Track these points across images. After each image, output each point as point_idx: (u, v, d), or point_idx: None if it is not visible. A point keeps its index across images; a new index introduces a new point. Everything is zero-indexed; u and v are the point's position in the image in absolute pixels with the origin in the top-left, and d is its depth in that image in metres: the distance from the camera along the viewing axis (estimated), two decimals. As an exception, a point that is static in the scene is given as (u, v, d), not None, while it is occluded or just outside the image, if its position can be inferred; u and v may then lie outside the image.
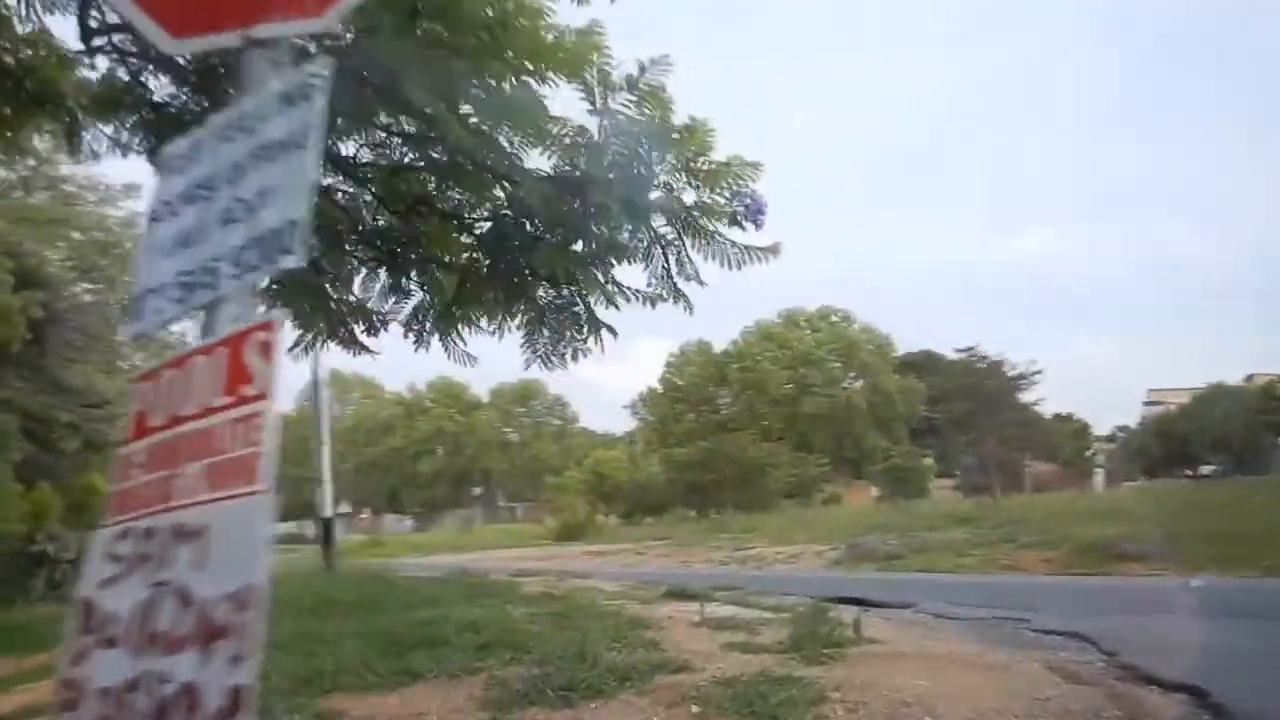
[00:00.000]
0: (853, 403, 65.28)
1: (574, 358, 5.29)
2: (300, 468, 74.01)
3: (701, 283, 4.36)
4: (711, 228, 4.01)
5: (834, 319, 70.86)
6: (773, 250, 4.19)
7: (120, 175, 21.89)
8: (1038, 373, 39.79)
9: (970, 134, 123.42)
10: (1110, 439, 74.34)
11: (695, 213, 3.88)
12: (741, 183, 3.94)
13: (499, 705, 5.33)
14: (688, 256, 4.11)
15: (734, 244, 4.11)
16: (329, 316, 5.34)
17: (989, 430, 32.49)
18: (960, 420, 37.34)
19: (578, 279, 4.28)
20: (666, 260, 4.10)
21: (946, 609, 10.41)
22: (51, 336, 17.20)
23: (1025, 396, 57.37)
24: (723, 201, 3.96)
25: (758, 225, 4.05)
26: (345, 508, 61.24)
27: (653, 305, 4.53)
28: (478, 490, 76.46)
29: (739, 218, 3.97)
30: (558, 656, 6.37)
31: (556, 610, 9.21)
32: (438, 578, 15.92)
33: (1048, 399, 67.68)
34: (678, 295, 4.47)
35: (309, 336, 5.84)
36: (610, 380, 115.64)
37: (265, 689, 6.31)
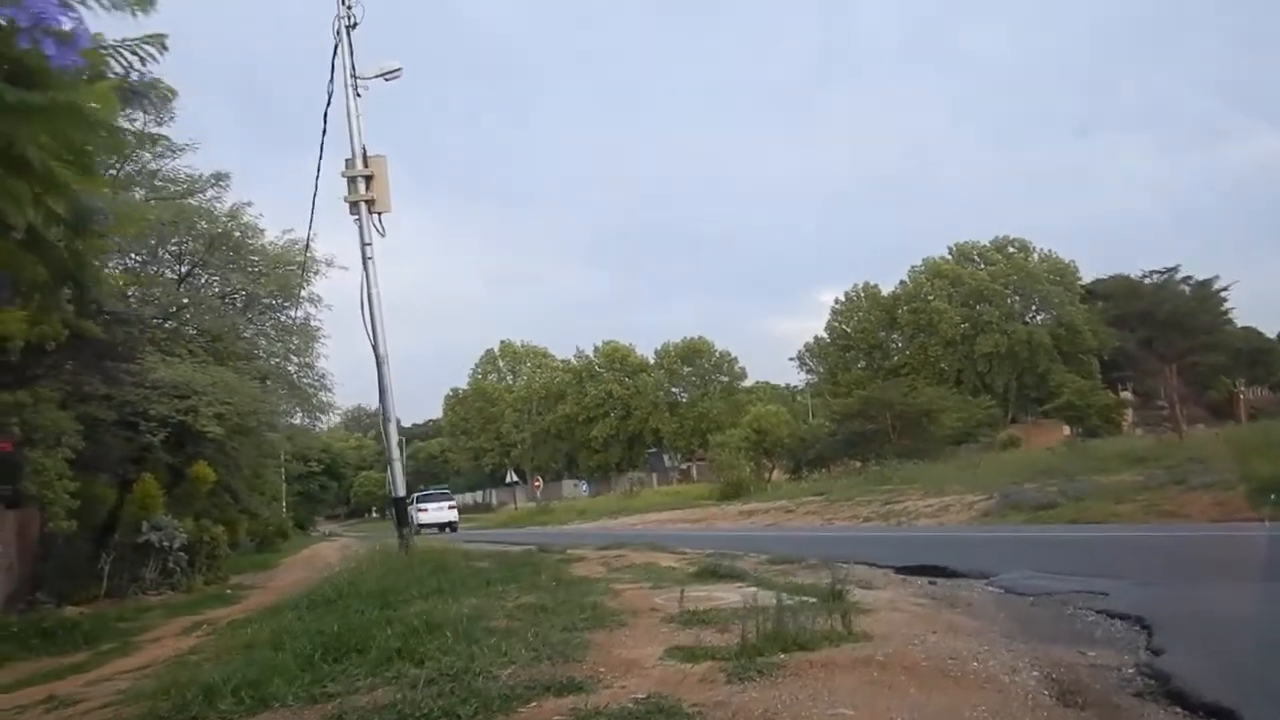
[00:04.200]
0: (1034, 338, 60.92)
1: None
2: (477, 440, 76.64)
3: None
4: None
5: (1011, 250, 66.16)
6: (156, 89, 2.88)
7: (207, 164, 22.33)
8: (1224, 289, 35.29)
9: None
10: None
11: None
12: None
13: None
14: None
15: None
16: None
17: (1174, 357, 28.95)
18: (1147, 349, 33.59)
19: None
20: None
21: (1024, 580, 8.75)
22: (138, 337, 17.64)
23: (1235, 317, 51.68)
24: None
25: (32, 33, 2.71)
26: (514, 476, 62.85)
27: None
28: (654, 450, 76.56)
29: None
30: (444, 673, 5.43)
31: (547, 602, 8.26)
32: (507, 553, 15.41)
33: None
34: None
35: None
36: (786, 332, 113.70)
37: (150, 710, 5.80)
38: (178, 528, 17.48)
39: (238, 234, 22.70)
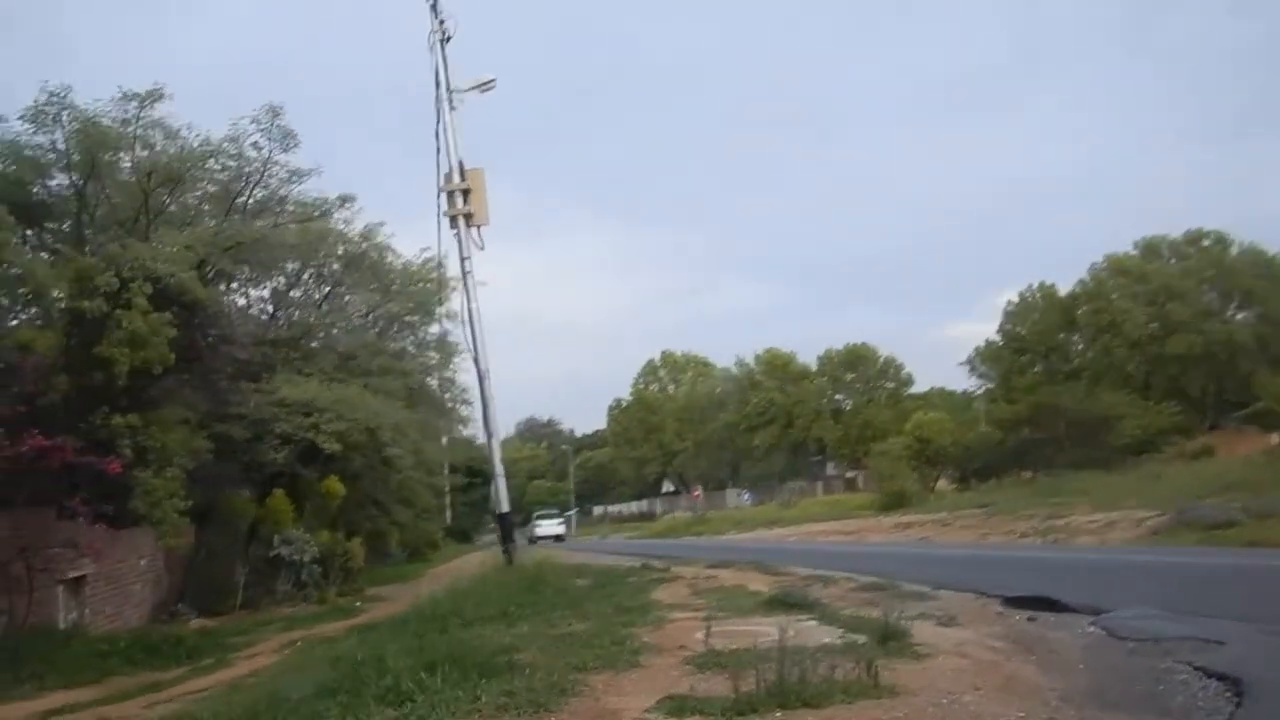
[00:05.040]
0: (1235, 337, 55.62)
1: None
2: (640, 449, 77.00)
3: None
4: None
5: (1205, 243, 60.75)
6: None
7: (332, 187, 23.17)
8: None
9: None
10: None
11: None
12: None
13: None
14: None
15: None
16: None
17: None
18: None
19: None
20: None
21: (1137, 620, 7.56)
22: (271, 356, 18.30)
23: None
24: None
25: None
26: (670, 486, 62.73)
27: None
28: (819, 459, 74.81)
29: None
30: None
31: (591, 631, 7.83)
32: (616, 568, 15.04)
33: None
34: None
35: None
36: (961, 336, 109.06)
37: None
38: (308, 541, 17.98)
39: (374, 255, 23.33)
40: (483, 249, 14.85)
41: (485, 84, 14.75)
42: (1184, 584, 10.31)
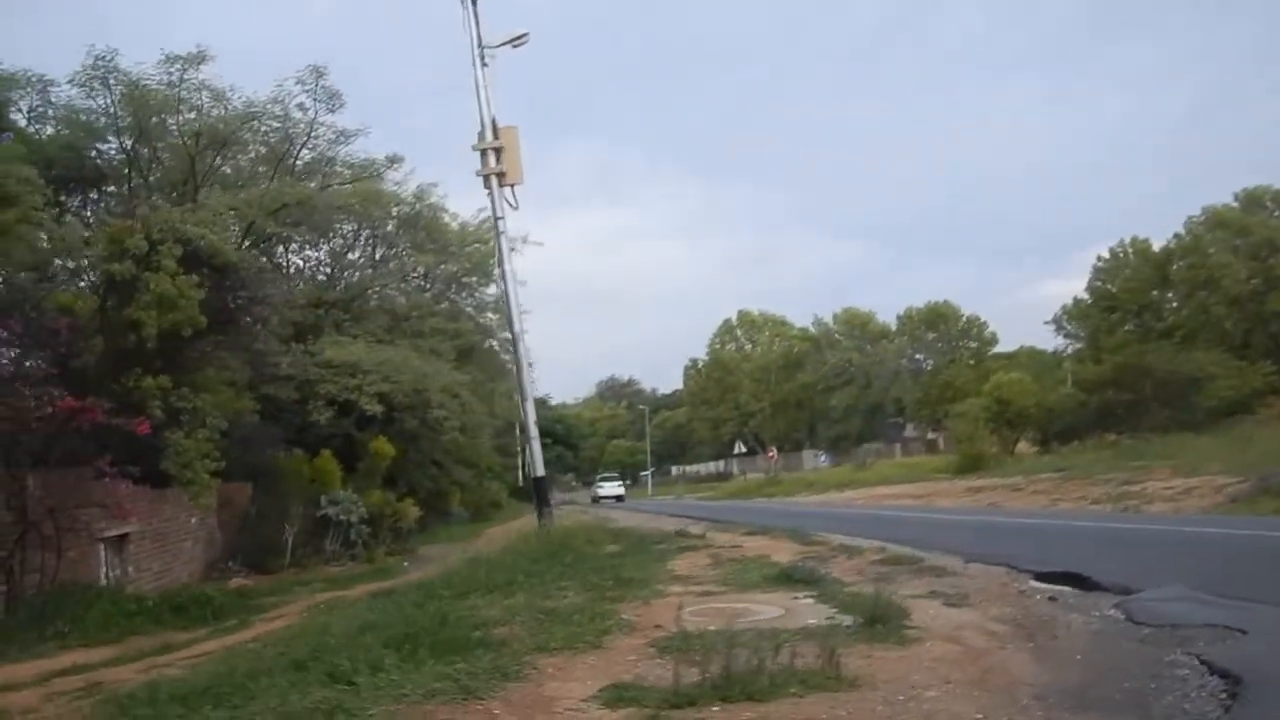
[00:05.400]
0: (1345, 293, 52.42)
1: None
2: (716, 409, 76.59)
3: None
4: None
5: (1312, 192, 57.22)
6: None
7: (379, 148, 23.23)
8: None
9: None
10: None
11: None
12: None
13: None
14: None
15: None
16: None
17: None
18: None
19: None
20: None
21: (1165, 602, 6.96)
22: (327, 318, 18.34)
23: None
24: None
25: None
26: (742, 447, 62.38)
27: None
28: (897, 420, 73.30)
29: None
30: (320, 706, 4.80)
31: (578, 605, 7.56)
32: (652, 532, 14.79)
33: None
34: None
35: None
36: (1051, 294, 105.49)
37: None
38: (355, 502, 18.07)
39: (428, 214, 23.26)
40: (516, 208, 14.55)
41: (518, 39, 14.33)
42: (1237, 560, 9.59)
